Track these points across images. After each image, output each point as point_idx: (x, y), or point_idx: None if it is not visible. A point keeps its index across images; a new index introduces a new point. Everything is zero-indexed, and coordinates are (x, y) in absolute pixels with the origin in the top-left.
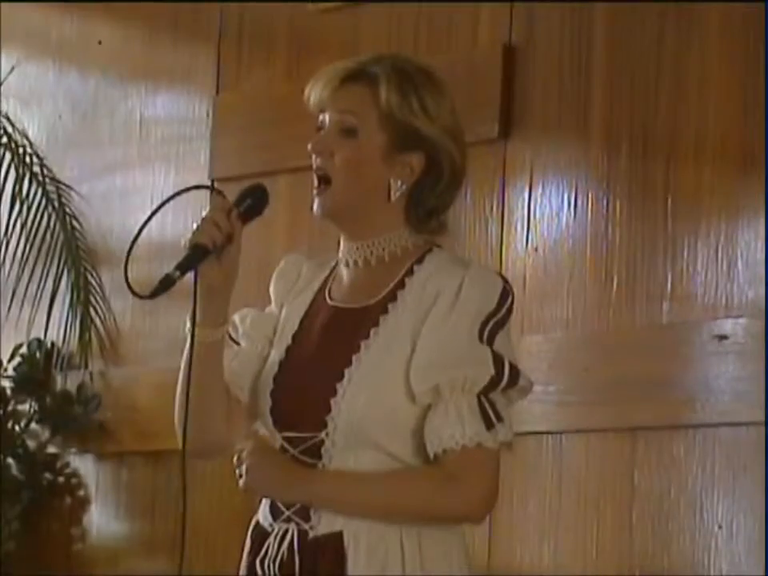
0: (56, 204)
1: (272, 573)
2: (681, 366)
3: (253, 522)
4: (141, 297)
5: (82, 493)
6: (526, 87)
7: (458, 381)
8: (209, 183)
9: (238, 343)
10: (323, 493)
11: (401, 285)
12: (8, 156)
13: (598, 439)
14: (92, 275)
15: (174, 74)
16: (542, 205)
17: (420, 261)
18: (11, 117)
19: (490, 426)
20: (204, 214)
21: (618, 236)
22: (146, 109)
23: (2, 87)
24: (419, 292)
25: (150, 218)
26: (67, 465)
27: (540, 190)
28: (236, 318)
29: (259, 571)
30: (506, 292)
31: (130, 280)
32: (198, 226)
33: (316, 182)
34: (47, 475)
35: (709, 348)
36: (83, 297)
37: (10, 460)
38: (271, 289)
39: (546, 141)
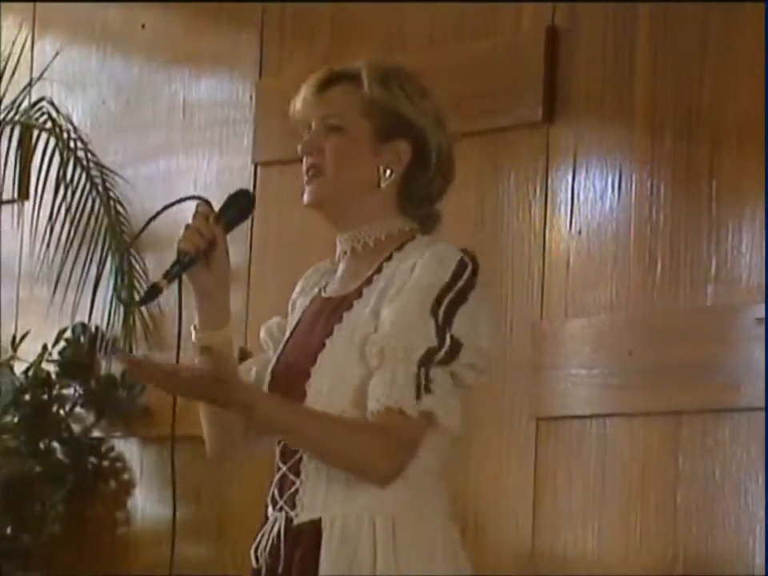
0: (100, 188)
1: (263, 560)
2: (725, 349)
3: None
4: (129, 305)
5: (126, 476)
6: (570, 70)
7: (399, 349)
8: (200, 195)
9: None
10: (264, 404)
11: (378, 270)
12: (53, 141)
13: (642, 423)
14: (136, 259)
15: (217, 58)
16: (585, 188)
17: (400, 248)
18: (55, 102)
19: (418, 395)
20: (189, 221)
21: (661, 219)
22: (189, 93)
23: (46, 72)
24: (391, 275)
25: (141, 231)
26: (112, 449)
27: (584, 173)
28: (263, 327)
29: (253, 559)
30: (463, 265)
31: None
32: (182, 234)
33: (306, 176)
34: (92, 459)
35: (753, 331)
36: (127, 281)
37: (55, 444)
38: (294, 293)
39: (589, 123)
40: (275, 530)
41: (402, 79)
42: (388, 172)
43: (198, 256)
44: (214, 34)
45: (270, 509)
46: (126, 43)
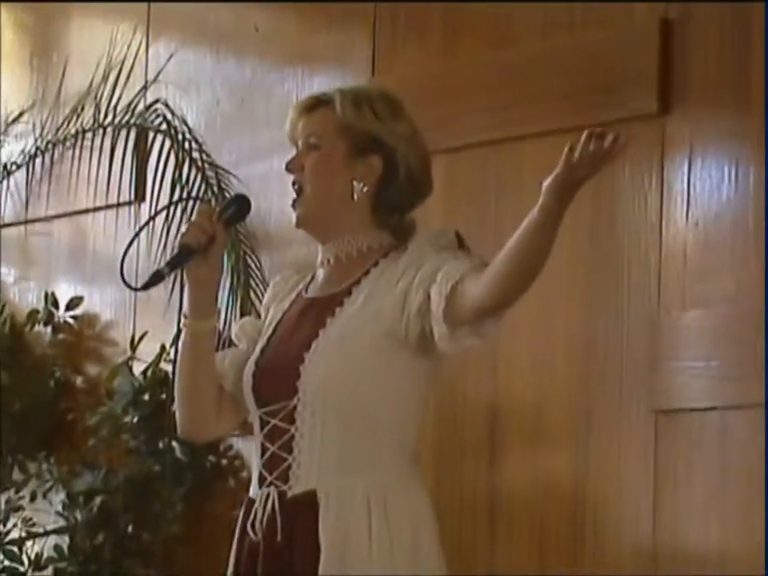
0: (215, 189)
1: (260, 534)
2: None
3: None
4: (133, 289)
5: (245, 474)
6: (684, 60)
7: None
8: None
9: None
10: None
11: (365, 273)
12: (168, 143)
13: (763, 415)
14: (251, 258)
15: (329, 56)
16: (702, 179)
17: (385, 256)
18: (170, 104)
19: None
20: (192, 218)
21: None
22: (302, 92)
23: (161, 75)
24: (383, 272)
25: (144, 225)
26: (230, 447)
27: (700, 164)
28: (235, 325)
29: (250, 533)
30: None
31: (124, 274)
32: (186, 229)
33: (294, 197)
34: (211, 457)
35: None
36: (243, 280)
37: (174, 443)
38: (265, 298)
39: (705, 114)
40: (269, 504)
41: (374, 101)
42: (361, 185)
43: (199, 249)
44: (327, 32)
45: (257, 489)
46: (239, 44)
